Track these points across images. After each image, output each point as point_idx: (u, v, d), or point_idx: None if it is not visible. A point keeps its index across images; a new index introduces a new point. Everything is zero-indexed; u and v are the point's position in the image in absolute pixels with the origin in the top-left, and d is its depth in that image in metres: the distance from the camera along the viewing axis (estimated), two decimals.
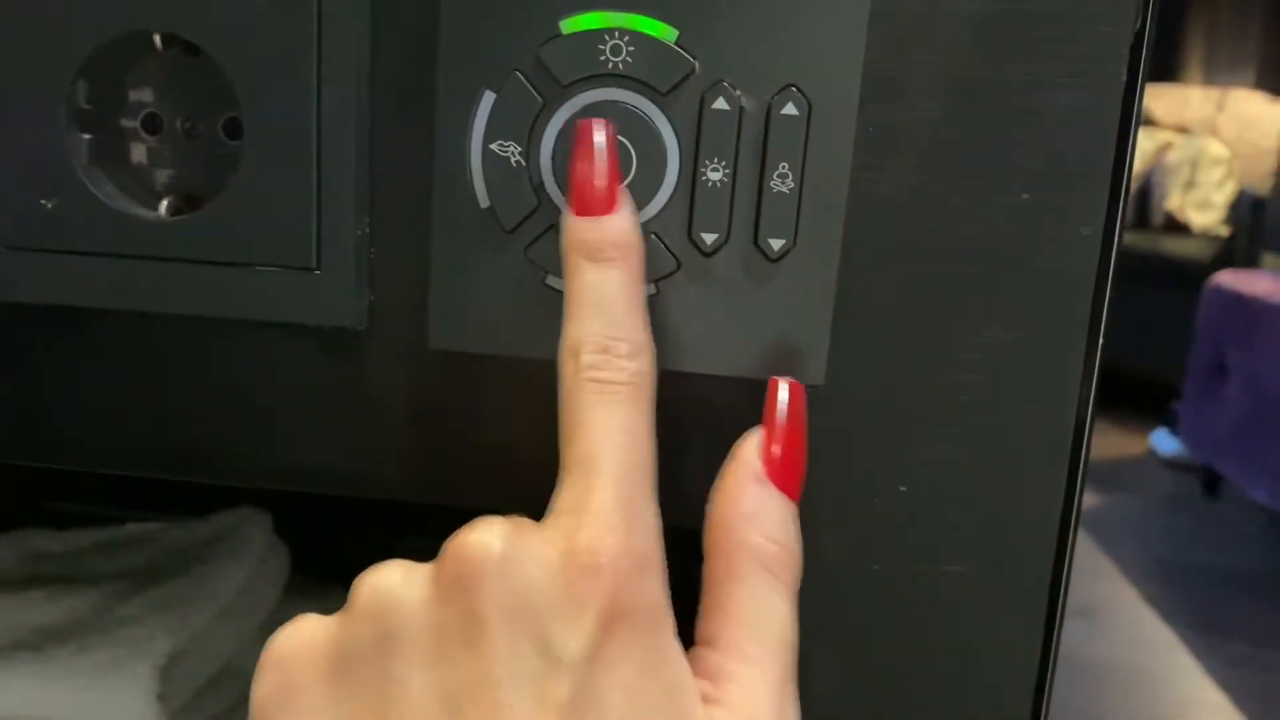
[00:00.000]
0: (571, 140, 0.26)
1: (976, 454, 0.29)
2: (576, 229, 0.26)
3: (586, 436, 0.25)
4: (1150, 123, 3.27)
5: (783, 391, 0.27)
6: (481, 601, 0.23)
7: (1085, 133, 0.27)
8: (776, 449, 0.26)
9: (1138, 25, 0.27)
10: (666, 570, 0.25)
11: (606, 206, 0.26)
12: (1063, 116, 0.27)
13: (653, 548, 0.24)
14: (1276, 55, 3.59)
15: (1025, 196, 0.28)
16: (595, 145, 0.26)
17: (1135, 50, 0.27)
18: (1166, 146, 3.09)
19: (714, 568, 0.26)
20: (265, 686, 0.24)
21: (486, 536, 0.23)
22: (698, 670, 0.25)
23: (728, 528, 0.26)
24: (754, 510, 0.26)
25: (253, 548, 0.51)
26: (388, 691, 0.23)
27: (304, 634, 0.24)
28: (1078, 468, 0.29)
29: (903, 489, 0.29)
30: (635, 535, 0.24)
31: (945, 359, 0.28)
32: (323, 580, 0.54)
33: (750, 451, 0.26)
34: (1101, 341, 0.28)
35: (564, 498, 0.24)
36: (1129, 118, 0.27)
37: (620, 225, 0.26)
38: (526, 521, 0.24)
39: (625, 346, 0.25)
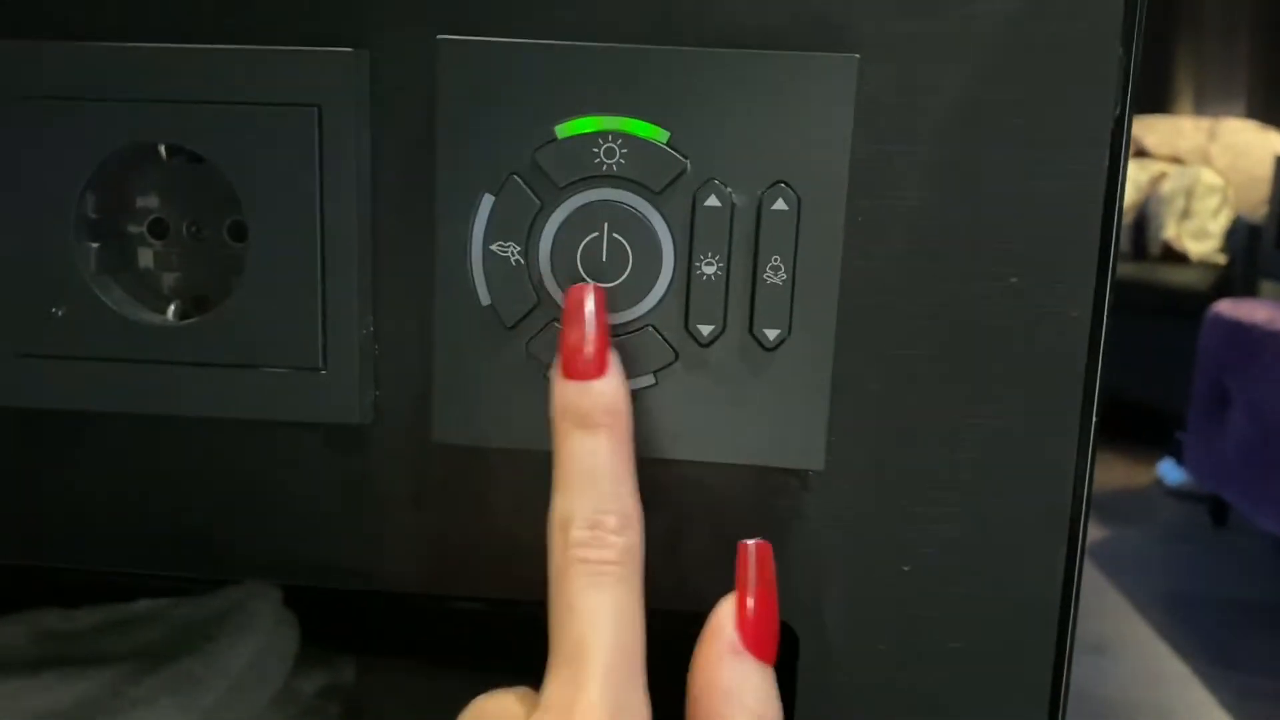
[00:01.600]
0: (563, 305, 0.27)
1: (976, 532, 0.29)
2: (566, 394, 0.26)
3: (576, 623, 0.25)
4: (1143, 154, 3.29)
5: (750, 553, 0.27)
6: None
7: (1069, 216, 0.28)
8: (750, 612, 0.26)
9: (1117, 111, 0.27)
10: None
11: (596, 371, 0.26)
12: (1047, 200, 0.28)
13: None
14: (1266, 84, 3.62)
15: (1013, 280, 0.28)
16: (585, 311, 0.26)
17: (1115, 135, 0.27)
18: (1161, 177, 3.11)
19: None
20: None
21: None
22: None
23: (709, 708, 0.26)
24: (733, 685, 0.26)
25: (262, 622, 0.51)
26: None
27: None
28: (1076, 541, 0.30)
29: (905, 568, 0.30)
30: None
31: (942, 439, 0.29)
32: (332, 650, 0.54)
33: (725, 621, 0.26)
34: (1095, 421, 0.29)
35: (553, 693, 0.24)
36: (1112, 201, 0.28)
37: (609, 390, 0.26)
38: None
39: (615, 520, 0.25)
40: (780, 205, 0.27)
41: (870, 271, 0.28)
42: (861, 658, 0.30)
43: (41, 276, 0.28)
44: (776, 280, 0.27)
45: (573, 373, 0.26)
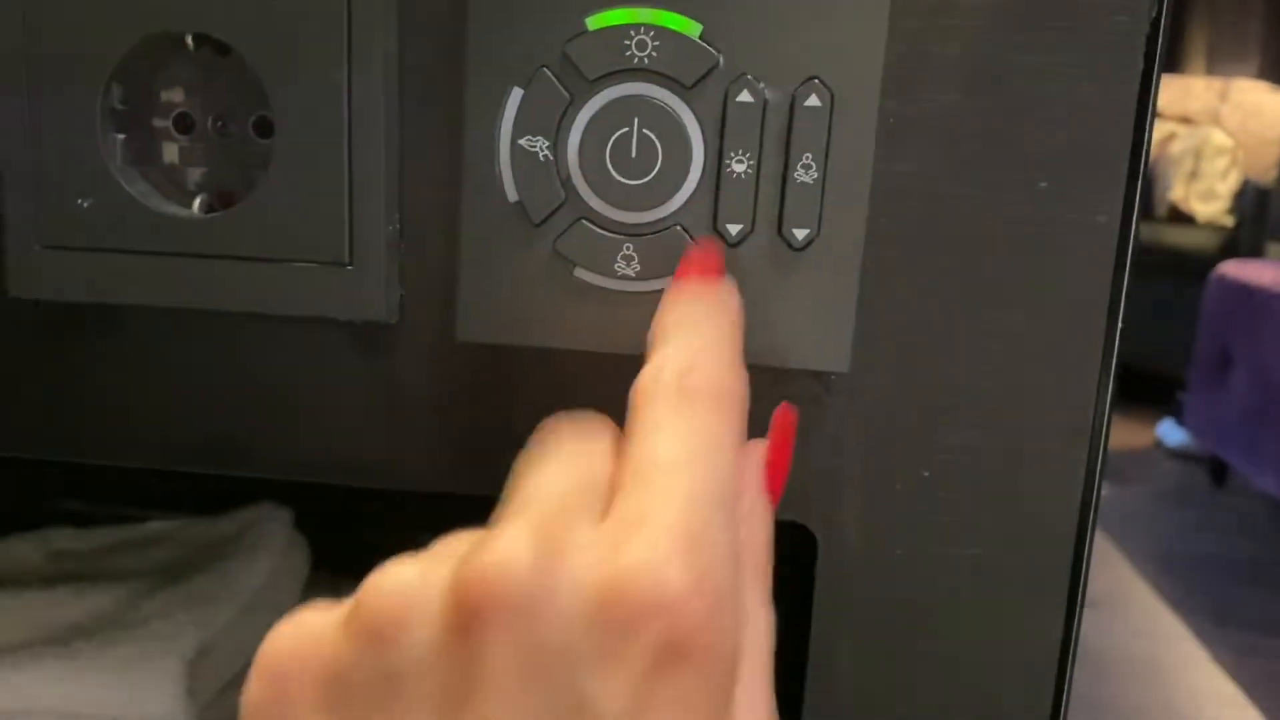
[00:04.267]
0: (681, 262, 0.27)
1: (998, 439, 0.29)
2: (684, 285, 0.26)
3: (657, 441, 0.21)
4: None
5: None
6: (498, 644, 0.19)
7: (1101, 122, 0.28)
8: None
9: (1153, 15, 0.27)
10: (741, 606, 0.21)
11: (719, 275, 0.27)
12: (1079, 106, 0.28)
13: (725, 575, 0.20)
14: (1279, 44, 3.58)
15: (1043, 185, 0.28)
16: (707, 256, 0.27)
17: (1151, 40, 0.27)
18: (1170, 137, 3.09)
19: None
20: (255, 695, 0.21)
21: (512, 553, 0.19)
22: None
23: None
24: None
25: (274, 543, 0.52)
26: None
27: (301, 641, 0.21)
28: (1098, 452, 0.30)
29: (925, 474, 0.30)
30: (703, 559, 0.19)
31: (966, 345, 0.29)
32: (342, 573, 0.54)
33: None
34: (1120, 328, 0.29)
35: (618, 507, 0.20)
36: (1144, 107, 0.28)
37: (731, 291, 0.27)
38: (567, 529, 0.20)
39: (723, 360, 0.24)
40: (813, 101, 0.27)
41: (899, 174, 0.28)
42: (879, 563, 0.30)
43: (68, 167, 0.28)
44: (807, 179, 0.27)
45: (692, 270, 0.26)
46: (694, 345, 0.23)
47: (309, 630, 0.21)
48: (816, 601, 0.31)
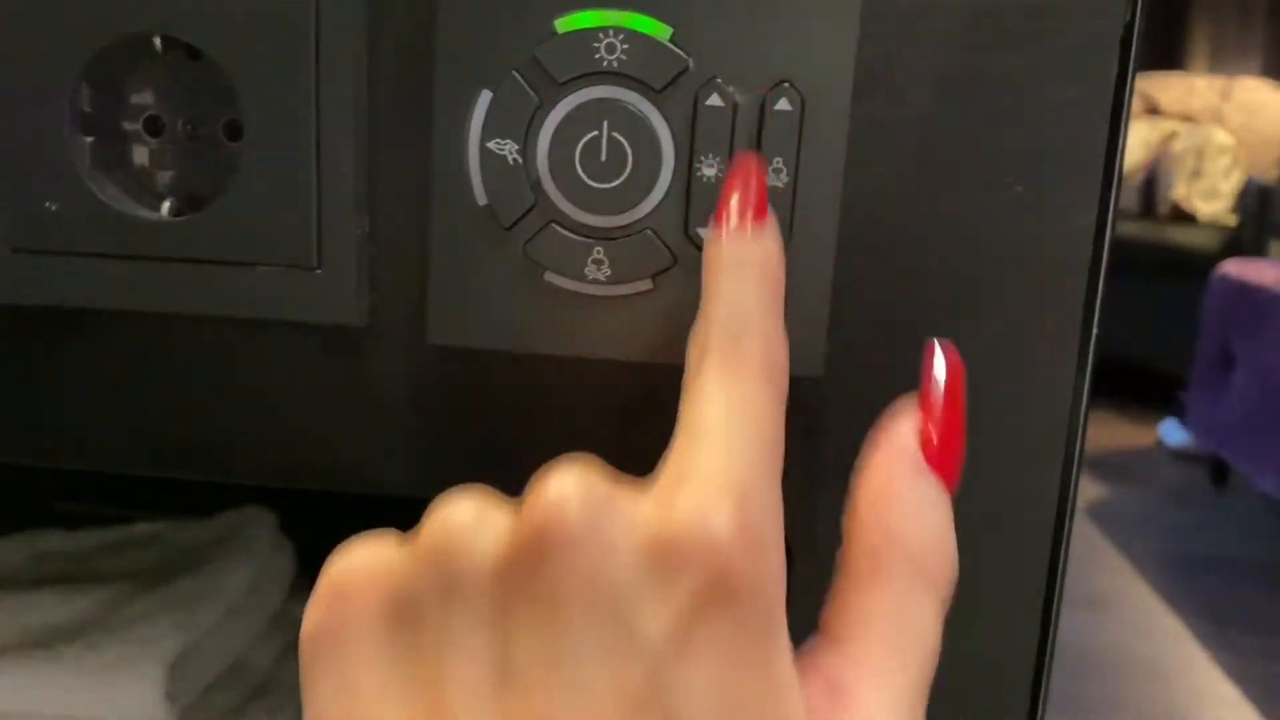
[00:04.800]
0: (727, 170, 0.26)
1: (974, 444, 0.29)
2: (736, 244, 0.25)
3: (707, 404, 0.22)
4: (1155, 112, 3.26)
5: (939, 360, 0.24)
6: (556, 569, 0.20)
7: (1077, 125, 0.27)
8: (935, 432, 0.24)
9: (1128, 18, 0.27)
10: (785, 560, 0.22)
11: (763, 219, 0.25)
12: (1054, 109, 0.27)
13: (769, 528, 0.21)
14: None
15: (1018, 189, 0.28)
16: (751, 168, 0.26)
17: (1125, 44, 0.27)
18: (1172, 136, 3.09)
19: (857, 562, 0.23)
20: (318, 617, 0.22)
21: (568, 492, 0.20)
22: (815, 673, 0.22)
23: (880, 523, 0.23)
24: (913, 506, 0.23)
25: (259, 546, 0.52)
26: (444, 653, 0.21)
27: (368, 562, 0.22)
28: (1074, 456, 0.29)
29: None
30: (749, 510, 0.20)
31: None
32: None
33: (907, 435, 0.24)
34: (1095, 332, 0.28)
35: (670, 462, 0.22)
36: (1119, 109, 0.27)
37: (771, 238, 0.25)
38: (623, 479, 0.21)
39: (770, 333, 0.24)
40: (784, 105, 0.26)
41: (873, 177, 0.28)
42: None
43: (36, 170, 0.28)
44: (778, 183, 0.27)
45: (746, 220, 0.25)
46: (744, 309, 0.24)
47: (375, 551, 0.22)
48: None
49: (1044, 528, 0.30)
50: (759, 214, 0.25)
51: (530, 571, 0.20)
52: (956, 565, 0.23)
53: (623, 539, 0.20)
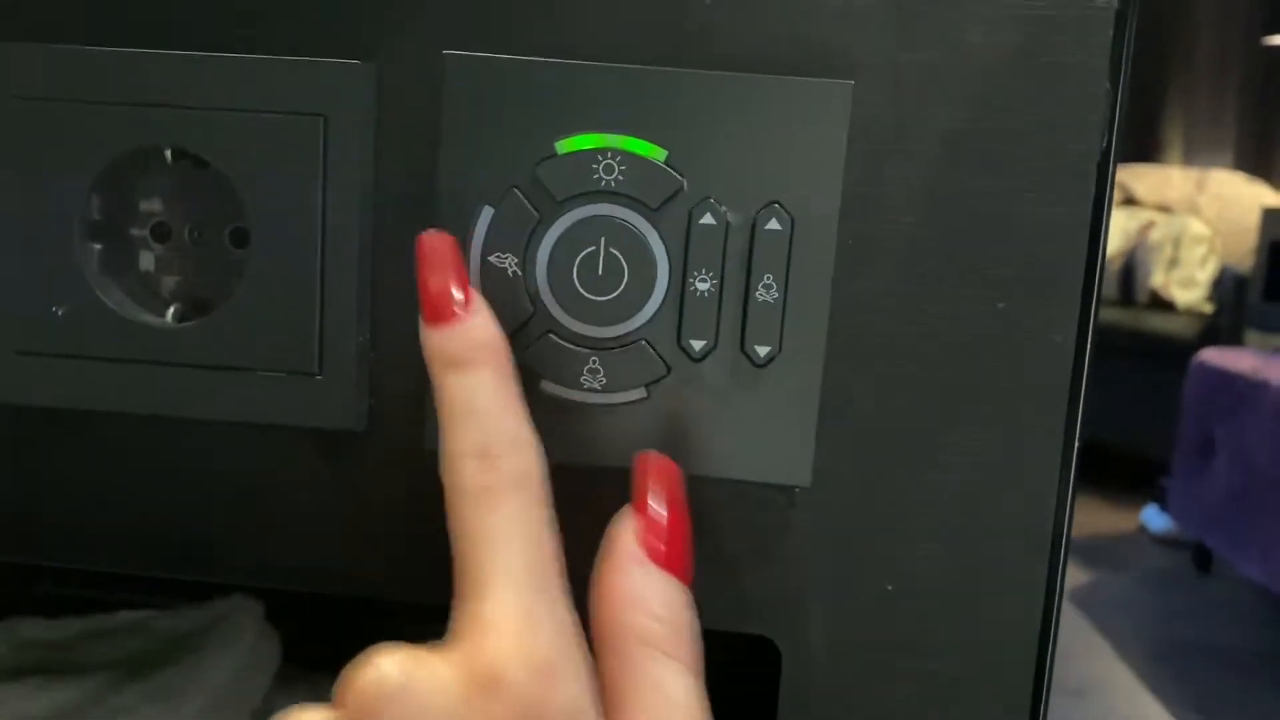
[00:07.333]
0: (415, 254, 0.26)
1: (958, 553, 0.30)
2: (436, 340, 0.26)
3: (476, 549, 0.24)
4: (1132, 202, 3.32)
5: (648, 464, 0.26)
6: None
7: (1056, 244, 0.28)
8: (652, 519, 0.25)
9: (1104, 144, 0.28)
10: (590, 668, 0.24)
11: (464, 312, 0.26)
12: (1034, 228, 0.28)
13: (564, 650, 0.23)
14: (1254, 137, 3.66)
15: (1000, 305, 0.29)
16: (440, 254, 0.26)
17: (1102, 168, 0.28)
18: (1149, 225, 3.14)
19: (607, 663, 0.25)
20: None
21: (382, 669, 0.22)
22: None
23: (610, 617, 0.25)
24: (635, 591, 0.25)
25: (244, 635, 0.51)
26: None
27: None
28: (1058, 563, 0.30)
29: (889, 587, 0.30)
30: (539, 643, 0.23)
31: (926, 459, 0.29)
32: (313, 669, 0.54)
33: (622, 533, 0.25)
34: (1078, 446, 0.29)
35: (461, 616, 0.24)
36: (1097, 229, 0.29)
37: (479, 325, 0.26)
38: (423, 649, 0.23)
39: (504, 446, 0.25)
40: (774, 225, 0.27)
41: (860, 293, 0.29)
42: (842, 675, 0.30)
43: (44, 276, 0.29)
44: (768, 298, 0.28)
45: (440, 317, 0.26)
46: (476, 436, 0.25)
47: None
48: (780, 712, 0.31)
49: (1030, 634, 0.30)
50: (464, 298, 0.26)
51: None
52: (696, 636, 0.25)
53: (437, 699, 0.22)
